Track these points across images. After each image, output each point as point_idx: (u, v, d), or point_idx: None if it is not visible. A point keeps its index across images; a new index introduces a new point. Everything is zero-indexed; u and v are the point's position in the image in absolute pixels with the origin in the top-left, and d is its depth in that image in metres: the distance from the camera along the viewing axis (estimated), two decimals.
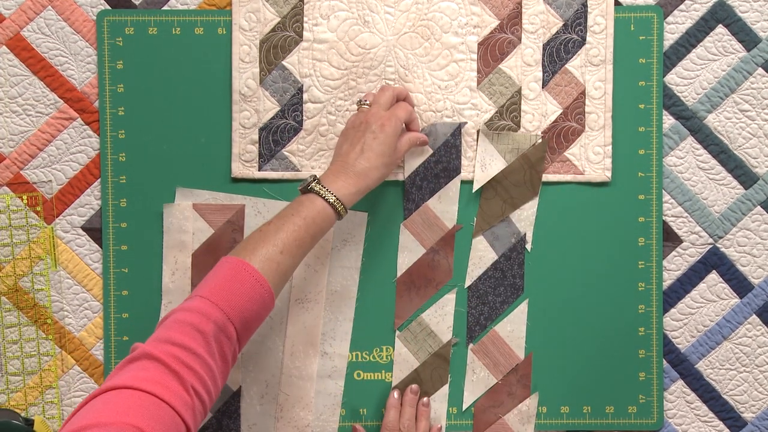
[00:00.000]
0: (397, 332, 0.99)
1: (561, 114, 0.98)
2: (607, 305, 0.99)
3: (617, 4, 0.99)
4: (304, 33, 0.98)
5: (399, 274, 0.99)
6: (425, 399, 0.97)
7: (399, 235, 0.99)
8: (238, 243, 0.95)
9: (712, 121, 1.00)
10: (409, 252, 0.99)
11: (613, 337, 0.99)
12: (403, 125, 0.92)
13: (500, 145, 0.98)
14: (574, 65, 0.98)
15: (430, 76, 0.98)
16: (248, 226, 0.98)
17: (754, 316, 1.00)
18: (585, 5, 0.98)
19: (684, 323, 1.00)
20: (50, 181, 0.99)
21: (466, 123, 0.98)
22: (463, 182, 0.99)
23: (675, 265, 1.00)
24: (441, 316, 0.99)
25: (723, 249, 1.00)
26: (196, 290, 0.78)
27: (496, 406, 0.99)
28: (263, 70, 0.98)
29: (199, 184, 0.98)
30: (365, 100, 0.91)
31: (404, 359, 0.99)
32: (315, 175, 0.86)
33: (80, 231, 0.99)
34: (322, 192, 0.84)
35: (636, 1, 0.99)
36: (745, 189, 1.00)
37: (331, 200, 0.84)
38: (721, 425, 1.00)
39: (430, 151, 0.98)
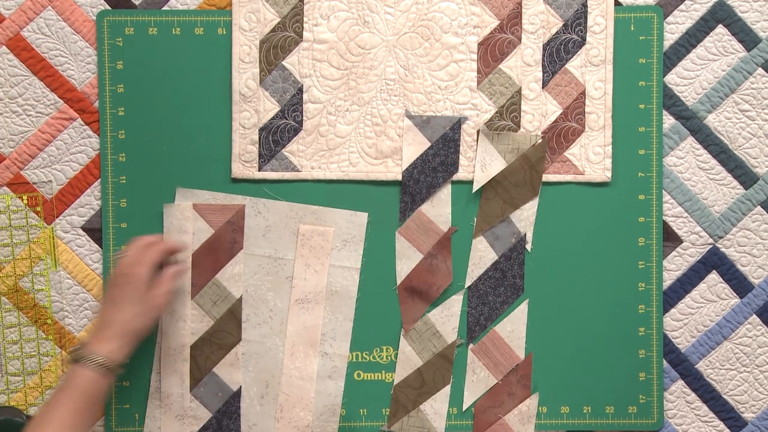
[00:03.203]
0: (403, 330, 0.99)
1: (561, 114, 0.98)
2: (607, 305, 0.99)
3: (617, 4, 0.99)
4: (304, 33, 0.98)
5: (399, 281, 0.99)
6: None
7: (395, 243, 0.99)
8: (237, 243, 0.95)
9: (712, 121, 1.00)
10: (407, 259, 0.99)
11: (613, 337, 0.99)
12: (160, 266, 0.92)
13: (500, 145, 0.98)
14: (574, 65, 0.98)
15: (430, 76, 0.98)
16: (248, 227, 0.98)
17: (754, 316, 1.00)
18: (585, 5, 0.98)
19: (684, 323, 1.00)
20: (50, 181, 0.99)
21: (466, 118, 0.98)
22: (463, 182, 0.99)
23: (675, 265, 1.00)
24: (447, 317, 0.99)
25: (723, 249, 1.00)
26: None
27: (496, 406, 0.99)
28: (263, 70, 0.98)
29: (199, 184, 0.98)
30: (120, 254, 0.91)
31: (408, 358, 0.99)
32: (81, 343, 0.86)
33: (80, 231, 0.99)
34: (88, 358, 0.84)
35: (636, 1, 0.99)
36: (745, 189, 1.00)
37: (99, 362, 0.84)
38: (721, 425, 1.00)
39: (428, 144, 0.98)
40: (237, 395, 0.98)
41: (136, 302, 0.88)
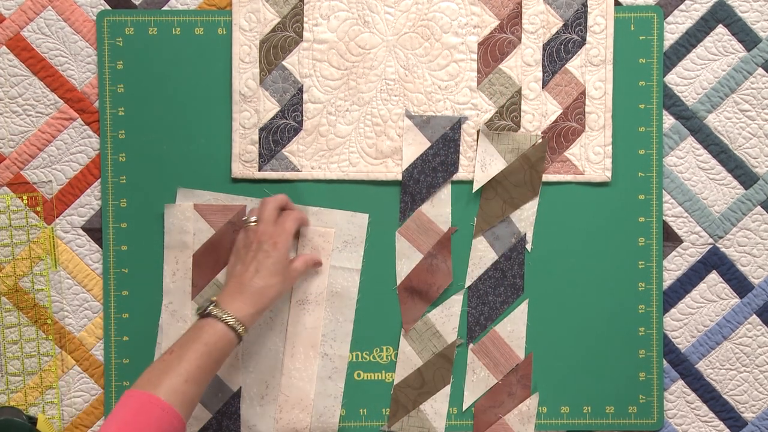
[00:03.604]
0: (403, 330, 0.99)
1: (561, 114, 0.98)
2: (607, 305, 0.99)
3: (617, 4, 0.99)
4: (304, 33, 0.98)
5: (399, 281, 0.99)
6: None
7: (395, 243, 0.99)
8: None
9: (712, 121, 1.00)
10: (407, 259, 0.99)
11: (613, 337, 0.99)
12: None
13: (500, 145, 0.98)
14: (574, 65, 0.98)
15: (430, 76, 0.98)
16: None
17: (754, 316, 1.00)
18: (585, 5, 0.98)
19: (684, 323, 1.00)
20: (50, 181, 0.99)
21: (466, 118, 0.98)
22: (463, 182, 0.99)
23: (675, 265, 1.00)
24: (447, 317, 0.99)
25: (723, 249, 1.00)
26: (105, 426, 0.76)
27: (496, 406, 0.99)
28: (263, 70, 0.98)
29: (199, 184, 0.98)
30: (251, 218, 0.91)
31: (408, 358, 0.99)
32: (212, 300, 0.86)
33: (80, 231, 0.99)
34: (221, 315, 0.84)
35: (636, 1, 0.99)
36: (745, 189, 1.00)
37: (231, 323, 0.84)
38: (721, 425, 1.01)
39: (428, 144, 0.98)
40: (237, 396, 0.98)
41: (278, 272, 0.88)
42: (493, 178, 0.98)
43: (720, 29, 0.99)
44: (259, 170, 0.98)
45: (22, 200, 0.99)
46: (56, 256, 0.99)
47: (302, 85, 0.98)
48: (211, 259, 0.97)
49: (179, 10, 0.98)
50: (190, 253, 0.97)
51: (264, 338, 0.98)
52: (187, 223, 0.97)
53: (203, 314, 0.85)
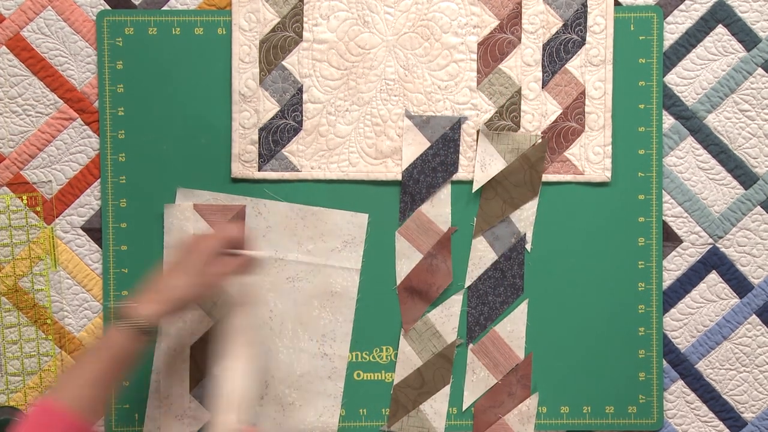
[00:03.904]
0: (403, 330, 0.99)
1: (561, 114, 0.98)
2: (607, 305, 0.99)
3: (617, 4, 0.99)
4: (304, 33, 0.98)
5: (399, 281, 0.99)
6: None
7: (395, 243, 0.99)
8: None
9: (712, 121, 1.00)
10: (407, 259, 0.99)
11: (613, 337, 0.99)
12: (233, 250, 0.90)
13: (500, 145, 0.98)
14: (574, 65, 0.98)
15: (430, 76, 0.98)
16: (248, 227, 0.98)
17: (754, 316, 1.00)
18: (585, 5, 0.98)
19: (684, 323, 1.00)
20: (50, 181, 0.99)
21: (465, 118, 0.98)
22: (463, 182, 0.99)
23: (675, 265, 1.00)
24: (447, 317, 0.99)
25: (723, 249, 1.00)
26: None
27: (496, 406, 0.99)
28: (263, 70, 0.98)
29: (199, 184, 0.98)
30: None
31: (408, 358, 0.99)
32: (122, 303, 0.85)
33: (80, 231, 0.99)
34: (124, 320, 0.83)
35: (636, 1, 0.99)
36: (745, 189, 1.00)
37: (136, 327, 0.83)
38: (721, 425, 1.00)
39: (428, 144, 0.98)
40: None
41: (190, 273, 0.87)
42: (492, 178, 0.98)
43: (720, 29, 0.99)
44: (258, 170, 0.98)
45: (22, 200, 0.99)
46: (56, 256, 0.99)
47: (302, 85, 0.98)
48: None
49: (179, 10, 0.98)
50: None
51: (263, 338, 0.98)
52: (187, 223, 0.97)
53: (114, 318, 0.84)
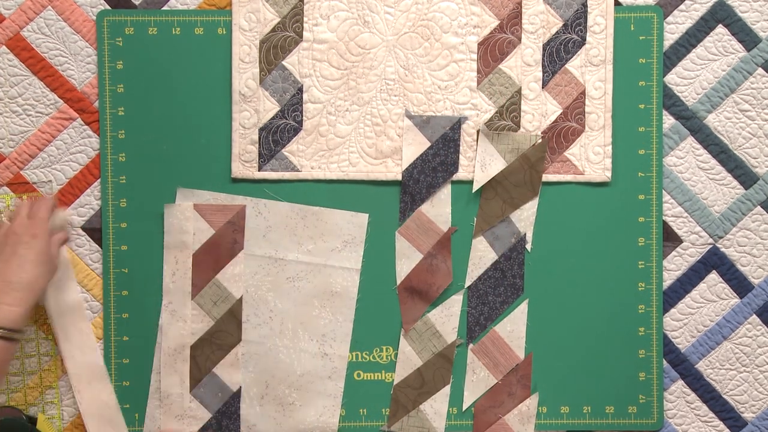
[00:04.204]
0: (403, 330, 0.99)
1: (561, 114, 0.98)
2: (607, 305, 0.99)
3: (617, 4, 0.99)
4: (304, 33, 0.98)
5: (399, 281, 0.99)
6: None
7: (395, 243, 0.99)
8: (237, 243, 0.95)
9: (712, 121, 1.00)
10: (407, 259, 0.99)
11: (613, 337, 0.99)
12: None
13: (500, 145, 0.98)
14: (574, 65, 0.98)
15: (430, 76, 0.98)
16: (248, 227, 0.98)
17: (754, 316, 1.00)
18: (585, 5, 0.98)
19: (684, 323, 1.00)
20: (50, 181, 0.99)
21: (466, 118, 0.98)
22: (463, 182, 0.99)
23: (675, 265, 1.00)
24: (447, 317, 0.99)
25: (723, 249, 1.00)
26: None
27: (496, 406, 0.99)
28: (263, 70, 0.98)
29: (199, 184, 0.98)
30: (2, 218, 0.90)
31: (408, 358, 0.99)
32: None
33: (80, 231, 0.99)
34: None
35: (636, 1, 0.99)
36: (745, 189, 1.00)
37: (1, 334, 0.81)
38: (721, 425, 1.00)
39: (428, 144, 0.98)
40: (237, 396, 0.98)
41: (43, 261, 0.84)
42: (493, 178, 0.98)
43: (720, 29, 0.99)
44: (259, 170, 0.98)
45: (22, 200, 0.99)
46: None
47: (302, 85, 0.98)
48: (210, 259, 0.97)
49: (179, 10, 0.98)
50: (190, 252, 0.97)
51: (263, 338, 0.98)
52: (187, 223, 0.97)
53: None
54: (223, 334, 0.98)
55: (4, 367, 0.83)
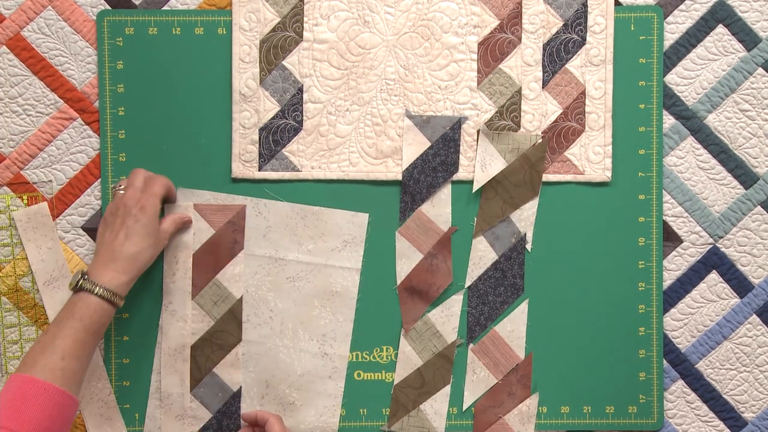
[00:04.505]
0: (403, 330, 0.99)
1: (561, 114, 0.98)
2: (607, 305, 0.99)
3: (617, 4, 0.99)
4: (304, 33, 0.98)
5: (399, 281, 0.99)
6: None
7: (395, 243, 0.99)
8: (237, 243, 0.96)
9: (712, 121, 1.00)
10: (407, 259, 0.99)
11: (613, 337, 0.99)
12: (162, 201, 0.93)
13: (500, 145, 0.98)
14: (574, 65, 0.98)
15: (430, 76, 0.98)
16: (249, 227, 0.98)
17: (754, 316, 1.00)
18: (585, 5, 0.98)
19: (684, 323, 1.00)
20: (50, 181, 0.99)
21: (466, 118, 0.98)
22: (463, 182, 0.99)
23: (675, 265, 1.00)
24: (447, 317, 0.99)
25: (723, 249, 1.00)
26: None
27: (496, 406, 0.99)
28: (263, 70, 0.98)
29: (199, 184, 0.98)
30: (119, 187, 0.91)
31: (408, 358, 0.99)
32: (83, 271, 0.85)
33: (80, 231, 0.99)
34: (93, 289, 0.84)
35: (636, 1, 0.99)
36: (745, 189, 1.00)
37: (104, 295, 0.84)
38: (722, 425, 1.01)
39: (428, 144, 0.98)
40: (237, 395, 0.98)
41: (149, 234, 0.88)
42: (493, 178, 0.98)
43: (720, 29, 0.99)
44: (259, 170, 0.98)
45: (22, 200, 0.99)
46: None
47: (302, 85, 0.98)
48: (210, 259, 0.97)
49: (179, 9, 0.98)
50: (190, 252, 0.97)
51: (264, 338, 0.98)
52: None
53: (76, 288, 0.85)
54: (223, 334, 0.98)
55: (100, 331, 0.85)
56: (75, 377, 0.82)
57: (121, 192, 0.91)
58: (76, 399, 0.82)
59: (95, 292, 0.84)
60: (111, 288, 0.85)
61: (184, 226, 0.96)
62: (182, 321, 0.98)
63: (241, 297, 0.98)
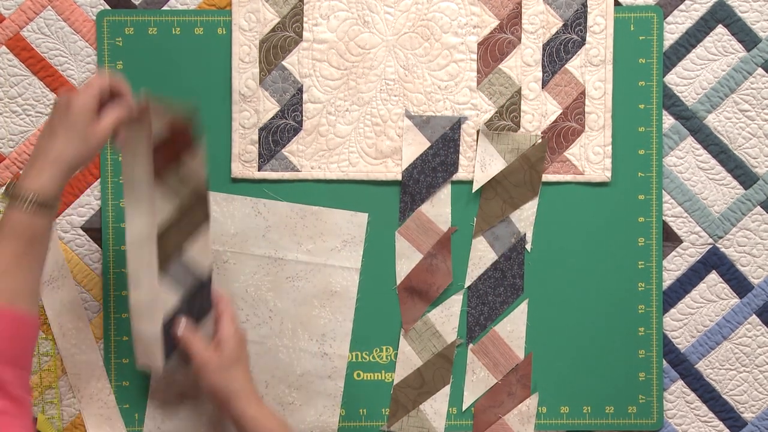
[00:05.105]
0: (402, 330, 0.99)
1: (561, 114, 0.98)
2: (607, 305, 0.99)
3: (617, 4, 0.99)
4: (304, 33, 0.98)
5: (399, 281, 0.99)
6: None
7: (395, 243, 0.99)
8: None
9: (712, 121, 1.00)
10: (406, 259, 0.99)
11: (613, 337, 0.99)
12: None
13: (500, 145, 0.98)
14: (573, 65, 0.98)
15: (430, 76, 0.98)
16: (248, 227, 0.98)
17: (754, 316, 1.00)
18: (585, 5, 0.98)
19: (684, 323, 1.00)
20: None
21: (465, 118, 0.98)
22: (463, 182, 0.99)
23: (675, 265, 1.00)
24: (447, 317, 0.99)
25: (723, 249, 1.00)
26: None
27: (496, 406, 0.99)
28: (263, 70, 0.98)
29: None
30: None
31: (407, 358, 0.99)
32: (11, 181, 0.80)
33: (80, 231, 0.99)
34: (21, 198, 0.78)
35: (636, 1, 0.99)
36: (745, 189, 1.00)
37: (32, 200, 0.78)
38: (721, 425, 1.00)
39: (428, 144, 0.98)
40: (209, 279, 0.91)
41: (74, 131, 0.80)
42: (492, 178, 0.98)
43: (720, 29, 0.99)
44: (258, 170, 0.98)
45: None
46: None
47: (302, 85, 0.98)
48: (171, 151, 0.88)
49: (179, 10, 0.98)
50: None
51: (263, 338, 0.98)
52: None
53: (8, 197, 0.79)
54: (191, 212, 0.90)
55: (42, 239, 0.79)
56: (24, 293, 0.77)
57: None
58: (32, 314, 0.77)
59: (22, 203, 0.77)
60: (36, 190, 0.78)
61: (128, 118, 0.84)
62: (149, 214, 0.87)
63: (207, 176, 0.89)
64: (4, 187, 0.80)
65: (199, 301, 0.90)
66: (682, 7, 0.99)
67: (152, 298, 0.87)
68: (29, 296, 0.78)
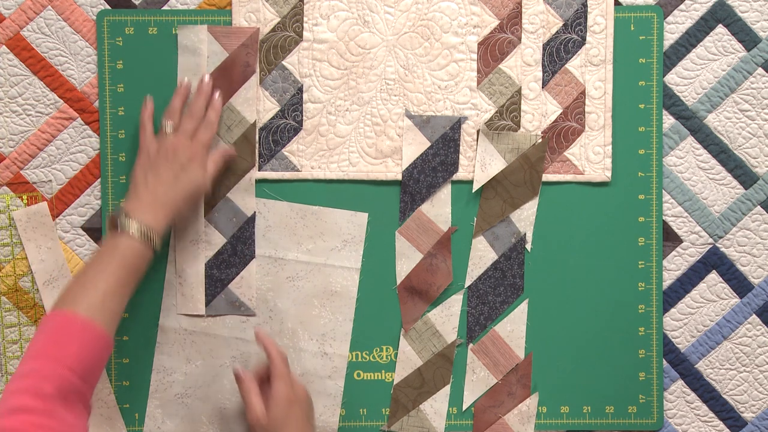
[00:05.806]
0: (402, 330, 0.99)
1: (561, 114, 0.98)
2: (607, 305, 0.99)
3: (617, 4, 0.99)
4: (304, 33, 0.98)
5: (399, 281, 0.99)
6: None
7: (395, 243, 0.99)
8: (250, 67, 0.94)
9: (712, 121, 1.00)
10: (406, 258, 0.99)
11: (613, 337, 0.99)
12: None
13: (500, 145, 0.98)
14: (574, 65, 0.98)
15: (430, 76, 0.98)
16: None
17: (754, 316, 1.00)
18: (585, 5, 0.98)
19: (684, 323, 1.00)
20: (50, 181, 0.99)
21: (466, 118, 0.98)
22: (463, 182, 0.99)
23: (675, 265, 1.00)
24: (447, 317, 0.99)
25: (723, 249, 1.00)
26: (26, 352, 0.77)
27: (496, 406, 0.99)
28: (263, 70, 0.98)
29: None
30: (167, 124, 0.91)
31: (408, 358, 0.99)
32: (124, 210, 0.85)
33: (80, 231, 0.99)
34: (136, 227, 0.83)
35: (636, 1, 0.99)
36: (745, 189, 1.00)
37: (147, 234, 0.84)
38: (721, 425, 1.00)
39: (428, 144, 0.98)
40: (251, 220, 0.97)
41: (196, 186, 0.88)
42: (493, 177, 0.98)
43: (720, 29, 0.99)
44: (258, 170, 0.98)
45: (22, 200, 0.99)
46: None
47: (302, 85, 0.98)
48: (224, 83, 0.96)
49: (179, 9, 0.98)
50: (203, 73, 0.96)
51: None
52: (201, 45, 0.96)
53: (117, 226, 0.84)
54: (237, 159, 0.97)
55: (139, 273, 0.84)
56: (113, 318, 0.81)
57: (169, 131, 0.90)
58: (112, 341, 0.81)
59: (138, 231, 0.83)
60: (149, 230, 0.84)
61: (227, 161, 0.95)
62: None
63: (255, 122, 0.97)
64: (121, 214, 0.85)
65: (241, 246, 0.96)
66: (682, 6, 0.99)
67: (197, 239, 0.94)
68: (115, 323, 0.83)
